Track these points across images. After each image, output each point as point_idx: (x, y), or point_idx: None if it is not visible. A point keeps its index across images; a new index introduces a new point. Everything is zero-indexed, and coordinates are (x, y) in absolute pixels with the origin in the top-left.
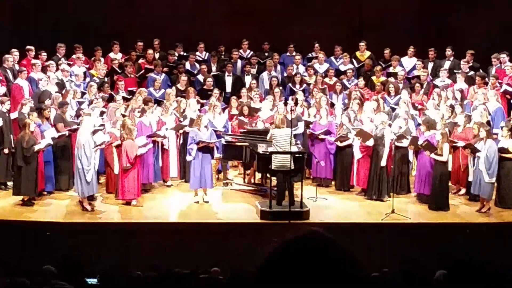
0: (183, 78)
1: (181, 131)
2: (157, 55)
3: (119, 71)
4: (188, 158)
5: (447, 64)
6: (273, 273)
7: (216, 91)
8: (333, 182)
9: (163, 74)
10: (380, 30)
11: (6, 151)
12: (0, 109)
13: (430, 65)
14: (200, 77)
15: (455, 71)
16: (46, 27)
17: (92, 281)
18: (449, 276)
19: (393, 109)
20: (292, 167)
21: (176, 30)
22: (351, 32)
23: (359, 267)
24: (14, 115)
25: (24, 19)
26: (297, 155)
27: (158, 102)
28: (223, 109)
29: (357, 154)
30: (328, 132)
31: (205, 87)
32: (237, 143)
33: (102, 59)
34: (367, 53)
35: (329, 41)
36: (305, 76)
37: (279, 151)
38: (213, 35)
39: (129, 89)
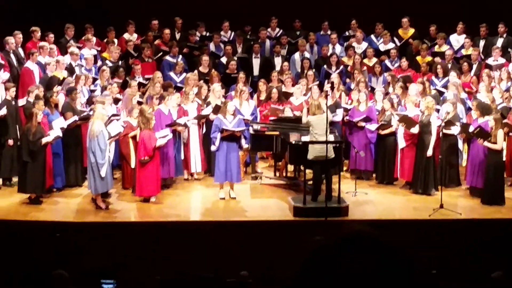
0: (205, 58)
1: (203, 120)
2: (178, 36)
3: (135, 54)
4: (212, 148)
5: (500, 42)
6: (313, 278)
7: (241, 74)
8: (374, 175)
9: (180, 56)
10: (424, 4)
11: (11, 142)
12: (4, 96)
13: (482, 43)
14: (224, 60)
15: (509, 49)
16: (52, 5)
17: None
18: (507, 276)
19: (441, 93)
20: (332, 156)
21: (196, 7)
22: (392, 7)
23: (417, 270)
24: (22, 102)
25: None
26: (334, 144)
27: (179, 88)
28: (250, 95)
29: (401, 143)
30: (368, 119)
31: (227, 71)
32: (266, 132)
33: (115, 40)
34: (411, 31)
35: (368, 17)
36: (342, 56)
37: (315, 141)
38: (238, 12)
39: (146, 76)
